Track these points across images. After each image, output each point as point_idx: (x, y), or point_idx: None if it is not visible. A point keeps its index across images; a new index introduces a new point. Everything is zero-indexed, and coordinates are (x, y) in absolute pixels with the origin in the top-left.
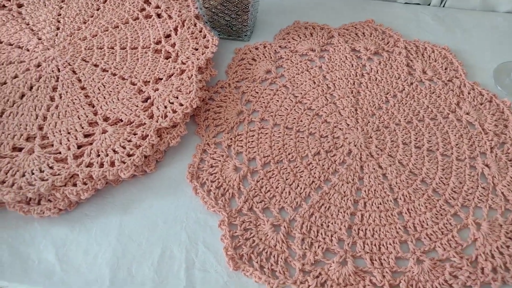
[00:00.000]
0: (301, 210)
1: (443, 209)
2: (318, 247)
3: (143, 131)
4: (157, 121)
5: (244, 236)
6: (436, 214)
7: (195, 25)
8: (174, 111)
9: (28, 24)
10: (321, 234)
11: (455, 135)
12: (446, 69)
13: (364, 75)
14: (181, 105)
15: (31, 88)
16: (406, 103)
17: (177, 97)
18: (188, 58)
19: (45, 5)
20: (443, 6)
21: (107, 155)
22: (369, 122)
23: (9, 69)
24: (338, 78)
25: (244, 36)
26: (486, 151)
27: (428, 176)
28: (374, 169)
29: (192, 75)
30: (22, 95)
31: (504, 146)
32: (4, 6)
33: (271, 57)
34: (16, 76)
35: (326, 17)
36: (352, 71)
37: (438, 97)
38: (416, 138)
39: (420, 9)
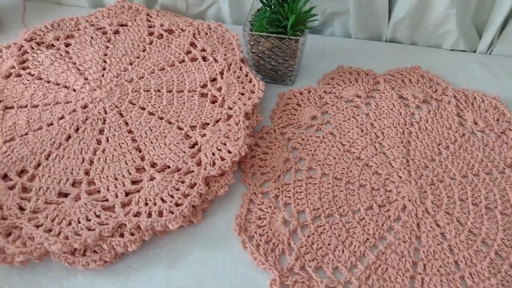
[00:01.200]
0: (356, 271)
1: (509, 275)
2: None
3: (191, 179)
4: (205, 169)
5: None
6: (502, 281)
7: (240, 69)
8: (223, 159)
9: (74, 64)
10: None
11: None
12: (498, 120)
13: (414, 124)
14: (230, 152)
15: (77, 130)
16: (459, 156)
17: (225, 144)
18: (234, 103)
19: (92, 45)
20: (490, 53)
21: (155, 204)
22: (422, 175)
23: (55, 109)
24: (387, 127)
25: (288, 81)
26: None
27: (489, 237)
28: (431, 227)
29: (239, 121)
30: (68, 137)
31: None
32: (52, 45)
33: (316, 103)
34: (62, 117)
35: (370, 62)
36: (401, 119)
37: (492, 150)
38: (473, 195)
39: (467, 56)
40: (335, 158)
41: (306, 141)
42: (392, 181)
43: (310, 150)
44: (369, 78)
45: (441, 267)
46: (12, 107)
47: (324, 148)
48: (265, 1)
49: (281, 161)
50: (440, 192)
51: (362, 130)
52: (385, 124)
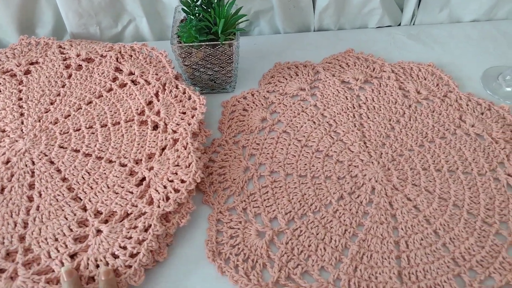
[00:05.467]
0: (342, 265)
1: (484, 230)
2: None
3: (144, 222)
4: (159, 207)
5: None
6: (479, 237)
7: (176, 87)
8: (177, 190)
9: None
10: None
11: (469, 150)
12: (437, 85)
13: (362, 105)
14: (183, 181)
15: (2, 190)
16: (411, 127)
17: (176, 173)
18: (178, 125)
19: (1, 92)
20: (413, 24)
21: (107, 263)
22: (382, 153)
23: None
24: (337, 114)
25: (228, 87)
26: (503, 160)
27: (458, 199)
28: (403, 202)
29: (187, 144)
30: None
31: None
32: None
33: (262, 104)
34: None
35: (304, 54)
36: (349, 103)
37: (440, 114)
38: (434, 161)
39: (393, 30)
40: (295, 156)
41: (262, 145)
42: (355, 166)
43: (268, 153)
44: (308, 70)
45: (422, 239)
46: None
47: (282, 148)
48: (187, 9)
49: (241, 171)
50: (403, 166)
51: (314, 122)
52: (335, 111)
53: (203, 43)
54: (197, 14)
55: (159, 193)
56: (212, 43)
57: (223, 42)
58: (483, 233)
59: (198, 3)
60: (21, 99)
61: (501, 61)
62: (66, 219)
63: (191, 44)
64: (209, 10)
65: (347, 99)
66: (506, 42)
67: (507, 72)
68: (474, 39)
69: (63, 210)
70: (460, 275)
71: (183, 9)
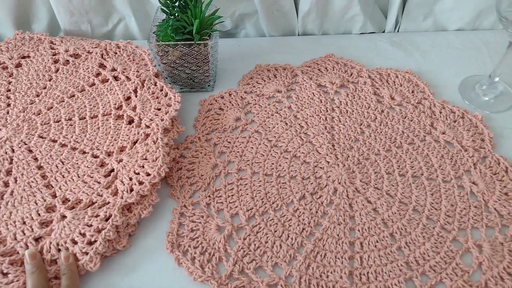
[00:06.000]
0: (296, 263)
1: (441, 236)
2: None
3: (106, 212)
4: (122, 198)
5: None
6: (436, 243)
7: (155, 84)
8: (141, 183)
9: None
10: (322, 286)
11: (436, 157)
12: (413, 92)
13: (335, 109)
14: (148, 174)
15: None
16: (381, 132)
17: (143, 166)
18: (151, 120)
19: None
20: (398, 31)
21: (67, 248)
22: (348, 156)
23: None
24: (310, 116)
25: (207, 87)
26: (470, 168)
27: (419, 204)
28: (363, 205)
29: (157, 139)
30: None
31: (485, 160)
32: None
33: (238, 104)
34: None
35: (287, 57)
36: (322, 106)
37: (411, 120)
38: (399, 166)
39: (376, 37)
40: (263, 155)
41: (233, 144)
42: (321, 168)
43: (238, 152)
44: (287, 72)
45: (377, 242)
46: None
47: (252, 147)
48: (166, 10)
49: (209, 167)
50: (367, 169)
51: (286, 124)
52: (307, 114)
53: (179, 42)
54: (175, 14)
55: (124, 184)
56: (187, 42)
57: (197, 42)
58: (440, 239)
59: (177, 4)
60: (9, 90)
61: (482, 71)
62: (36, 204)
63: (167, 43)
64: (186, 10)
65: (321, 102)
66: (488, 52)
67: (483, 81)
68: (456, 48)
69: (34, 195)
70: (412, 279)
71: (162, 9)
